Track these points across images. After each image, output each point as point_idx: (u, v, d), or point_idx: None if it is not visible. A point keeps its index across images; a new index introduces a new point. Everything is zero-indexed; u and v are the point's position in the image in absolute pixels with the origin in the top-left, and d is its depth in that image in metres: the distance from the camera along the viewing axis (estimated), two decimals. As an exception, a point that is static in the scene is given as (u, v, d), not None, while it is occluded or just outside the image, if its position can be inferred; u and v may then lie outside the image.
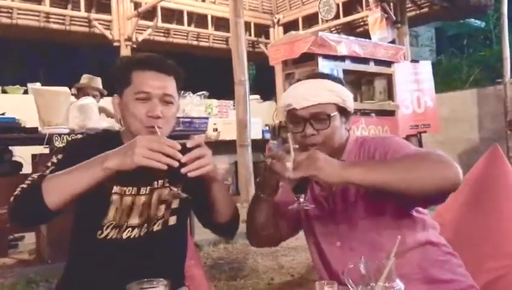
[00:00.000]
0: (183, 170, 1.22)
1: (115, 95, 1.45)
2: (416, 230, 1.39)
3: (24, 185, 1.28)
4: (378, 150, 1.39)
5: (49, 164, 1.37)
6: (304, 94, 1.41)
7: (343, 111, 1.45)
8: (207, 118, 4.92)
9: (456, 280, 1.38)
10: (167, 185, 1.43)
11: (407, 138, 6.98)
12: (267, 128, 7.19)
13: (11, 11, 6.84)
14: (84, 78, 4.77)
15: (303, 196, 1.29)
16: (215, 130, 7.19)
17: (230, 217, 1.47)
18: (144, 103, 1.36)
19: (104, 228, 1.36)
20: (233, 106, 7.08)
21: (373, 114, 6.35)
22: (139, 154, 1.17)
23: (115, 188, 1.37)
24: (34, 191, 1.23)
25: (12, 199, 1.27)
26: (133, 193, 1.39)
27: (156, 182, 1.42)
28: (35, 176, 1.30)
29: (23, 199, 1.25)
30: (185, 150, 1.22)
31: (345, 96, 1.44)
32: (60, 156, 1.38)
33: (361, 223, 1.39)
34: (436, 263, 1.39)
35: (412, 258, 1.35)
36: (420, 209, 1.41)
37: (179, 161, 1.19)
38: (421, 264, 1.36)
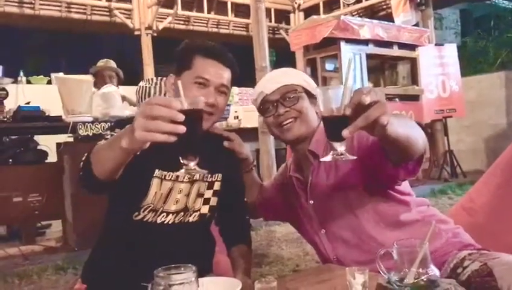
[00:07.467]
0: None
1: (171, 74, 1.48)
2: (393, 210, 1.43)
3: (86, 153, 1.25)
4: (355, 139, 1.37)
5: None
6: (271, 79, 1.55)
7: (309, 94, 1.53)
8: (229, 105, 4.89)
9: (421, 220, 1.42)
10: (206, 178, 1.46)
11: (432, 122, 6.86)
12: (289, 115, 7.14)
13: (33, 2, 6.92)
14: (100, 62, 4.76)
15: (343, 143, 0.99)
16: (236, 117, 7.17)
17: None
18: (201, 89, 1.41)
19: (142, 210, 1.39)
20: (255, 93, 7.04)
21: (397, 99, 6.25)
22: (138, 128, 0.97)
23: (157, 172, 1.39)
24: (87, 162, 1.23)
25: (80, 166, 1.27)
26: (172, 178, 1.41)
27: (197, 174, 1.42)
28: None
29: (83, 169, 1.25)
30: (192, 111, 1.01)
31: (308, 80, 1.56)
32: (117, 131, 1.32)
33: (338, 208, 1.46)
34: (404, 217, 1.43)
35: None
36: (401, 190, 1.44)
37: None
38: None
